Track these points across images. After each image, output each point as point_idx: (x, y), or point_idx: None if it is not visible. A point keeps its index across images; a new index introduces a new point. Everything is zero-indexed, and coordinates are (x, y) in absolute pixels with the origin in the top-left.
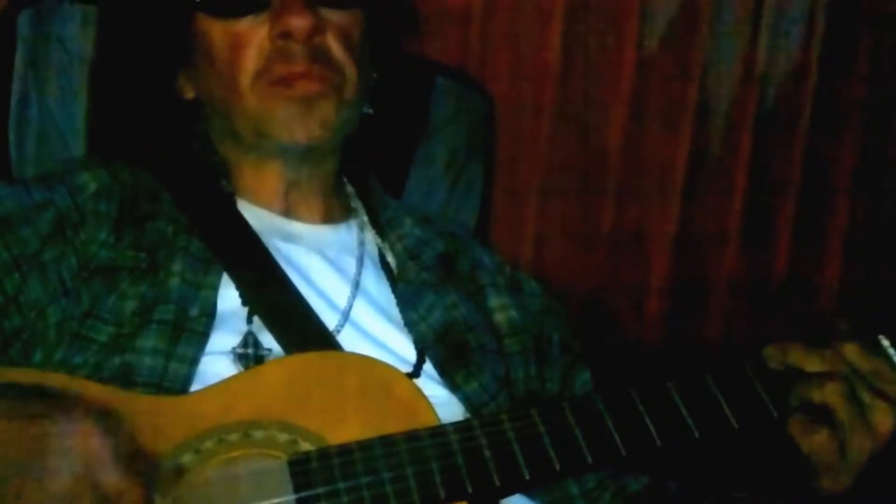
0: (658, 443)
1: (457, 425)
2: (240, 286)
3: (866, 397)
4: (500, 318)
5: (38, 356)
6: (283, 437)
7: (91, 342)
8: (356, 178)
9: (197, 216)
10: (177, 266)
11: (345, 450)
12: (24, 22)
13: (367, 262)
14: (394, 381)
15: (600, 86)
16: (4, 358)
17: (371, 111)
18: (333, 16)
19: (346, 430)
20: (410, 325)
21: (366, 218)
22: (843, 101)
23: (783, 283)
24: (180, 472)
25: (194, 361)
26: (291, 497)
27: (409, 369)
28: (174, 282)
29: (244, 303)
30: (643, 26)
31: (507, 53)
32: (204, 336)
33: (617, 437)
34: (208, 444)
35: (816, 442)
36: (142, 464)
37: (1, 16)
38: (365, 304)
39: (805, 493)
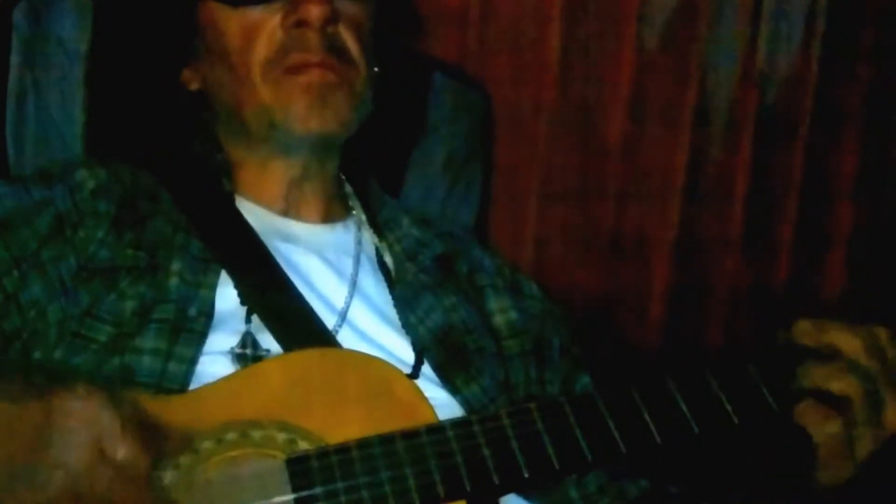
0: (658, 440)
1: (455, 422)
2: (238, 286)
3: (883, 392)
4: (499, 320)
5: (37, 356)
6: (282, 436)
7: (90, 342)
8: (354, 178)
9: (196, 215)
10: (176, 265)
11: (343, 449)
12: (19, 17)
13: (365, 263)
14: (394, 380)
15: (599, 88)
16: (4, 358)
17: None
18: (347, 7)
19: (346, 429)
20: (408, 328)
21: (364, 218)
22: (845, 103)
23: (785, 287)
24: (189, 440)
25: (193, 361)
26: (290, 497)
27: (408, 371)
28: (173, 281)
29: (243, 302)
30: (642, 28)
31: (506, 55)
32: (202, 336)
33: (617, 435)
34: (206, 444)
35: (829, 431)
36: (150, 432)
37: None
38: (362, 306)
39: (802, 489)
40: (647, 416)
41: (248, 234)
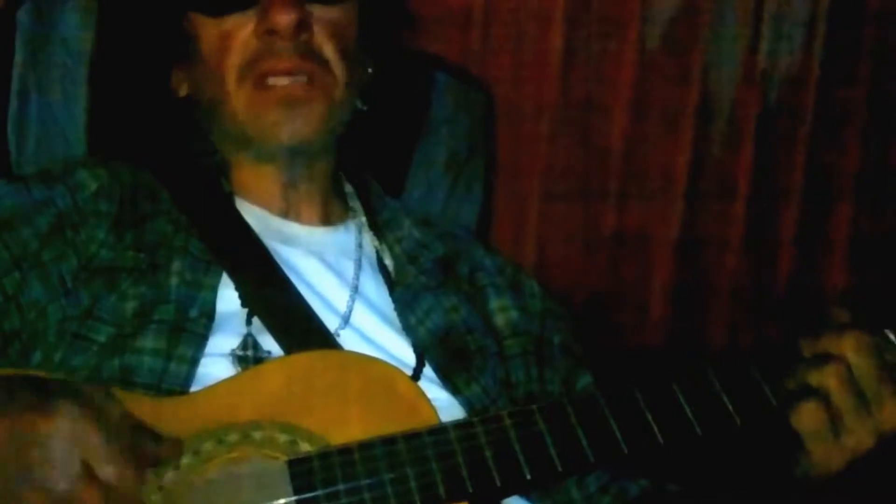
0: (660, 441)
1: (457, 424)
2: (239, 287)
3: (872, 386)
4: (500, 319)
5: (37, 356)
6: (283, 437)
7: (91, 342)
8: (355, 177)
9: (196, 216)
10: (176, 266)
11: (345, 450)
12: (23, 17)
13: (366, 266)
14: (395, 381)
15: (601, 88)
16: (3, 358)
17: (365, 107)
18: (323, 11)
19: (347, 430)
20: (409, 329)
21: (364, 219)
22: (846, 104)
23: (786, 287)
24: (180, 447)
25: (194, 362)
26: (292, 498)
27: (409, 373)
28: (174, 282)
29: (244, 304)
30: (644, 28)
31: (509, 56)
32: (203, 337)
33: (619, 435)
34: (208, 446)
35: (811, 421)
36: (141, 440)
37: (1, 11)
38: (364, 308)
39: (793, 482)
40: (649, 417)
41: (249, 236)
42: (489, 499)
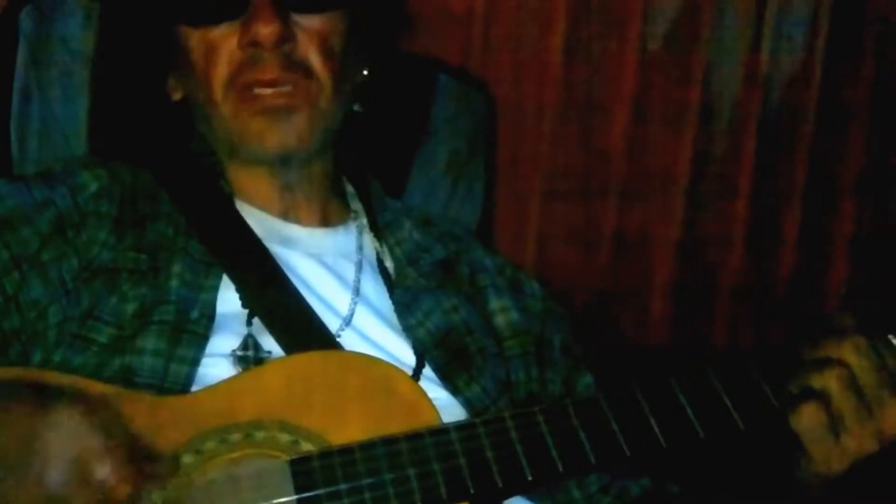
0: (662, 443)
1: (459, 425)
2: (239, 288)
3: (874, 390)
4: (500, 320)
5: (37, 357)
6: (285, 437)
7: (91, 343)
8: (356, 178)
9: (196, 217)
10: (176, 267)
11: (346, 450)
12: (26, 19)
13: (366, 268)
14: (396, 381)
15: (603, 88)
16: (3, 359)
17: (361, 109)
18: (308, 21)
19: (349, 430)
20: (408, 331)
21: (365, 221)
22: (848, 104)
23: (788, 287)
24: (177, 464)
25: (195, 363)
26: (293, 498)
27: (409, 374)
28: (174, 283)
29: (244, 305)
30: (646, 28)
31: (510, 55)
32: (204, 338)
33: (620, 438)
34: (210, 445)
35: (810, 423)
36: (138, 453)
37: (3, 13)
38: (366, 311)
39: (797, 481)
40: (651, 420)
41: (249, 237)
42: (490, 499)
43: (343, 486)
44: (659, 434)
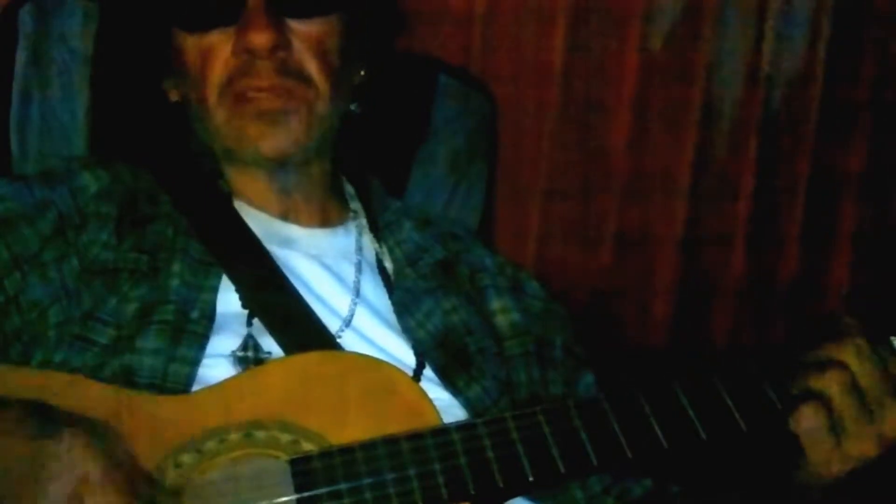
0: (664, 445)
1: (460, 425)
2: (239, 289)
3: (875, 393)
4: (500, 320)
5: (38, 357)
6: (285, 437)
7: (92, 344)
8: (357, 178)
9: (196, 218)
10: (176, 267)
11: (347, 450)
12: (25, 17)
13: (366, 269)
14: (397, 382)
15: (604, 88)
16: (4, 359)
17: (358, 110)
18: (303, 26)
19: (349, 430)
20: (408, 332)
21: (364, 221)
22: (850, 104)
23: (790, 286)
24: (178, 497)
25: (195, 363)
26: (293, 497)
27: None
28: (174, 283)
29: (244, 306)
30: (647, 28)
31: (510, 55)
32: (204, 338)
33: (622, 439)
34: (210, 444)
35: (810, 425)
36: (140, 485)
37: (3, 11)
38: (366, 312)
39: (796, 483)
40: (653, 422)
41: (248, 238)
42: (491, 499)
43: (343, 486)
44: (661, 435)
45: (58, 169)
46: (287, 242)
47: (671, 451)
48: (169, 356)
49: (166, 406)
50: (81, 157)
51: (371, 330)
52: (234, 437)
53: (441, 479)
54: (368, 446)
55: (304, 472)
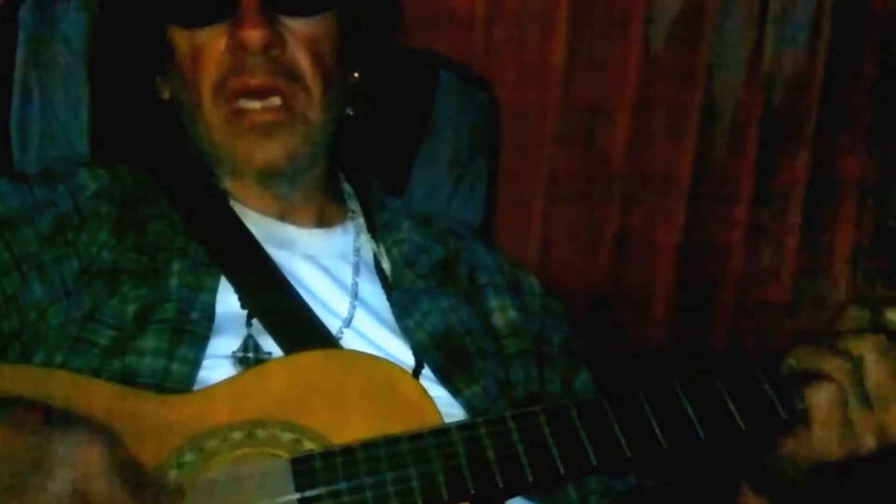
0: (664, 445)
1: (460, 425)
2: (238, 289)
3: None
4: (499, 319)
5: (38, 357)
6: (287, 436)
7: (92, 345)
8: (355, 177)
9: (194, 218)
10: (175, 268)
11: (348, 449)
12: (25, 15)
13: (363, 270)
14: (399, 381)
15: (605, 90)
16: (2, 359)
17: (353, 112)
18: (297, 25)
19: (351, 429)
20: (407, 333)
21: (362, 220)
22: (850, 106)
23: (789, 289)
24: (182, 494)
25: (196, 363)
26: (294, 496)
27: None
28: (173, 283)
29: (243, 306)
30: (648, 30)
31: (512, 57)
32: (205, 339)
33: (622, 440)
34: (211, 443)
35: (821, 396)
36: (142, 482)
37: (2, 10)
38: (365, 314)
39: (786, 454)
40: (653, 422)
41: (247, 238)
42: (491, 500)
43: (344, 486)
44: (660, 435)
45: (58, 168)
46: (284, 243)
47: (670, 450)
48: (169, 356)
49: (168, 405)
50: (81, 157)
51: (370, 331)
52: (235, 436)
53: (441, 479)
54: (369, 446)
55: (305, 471)
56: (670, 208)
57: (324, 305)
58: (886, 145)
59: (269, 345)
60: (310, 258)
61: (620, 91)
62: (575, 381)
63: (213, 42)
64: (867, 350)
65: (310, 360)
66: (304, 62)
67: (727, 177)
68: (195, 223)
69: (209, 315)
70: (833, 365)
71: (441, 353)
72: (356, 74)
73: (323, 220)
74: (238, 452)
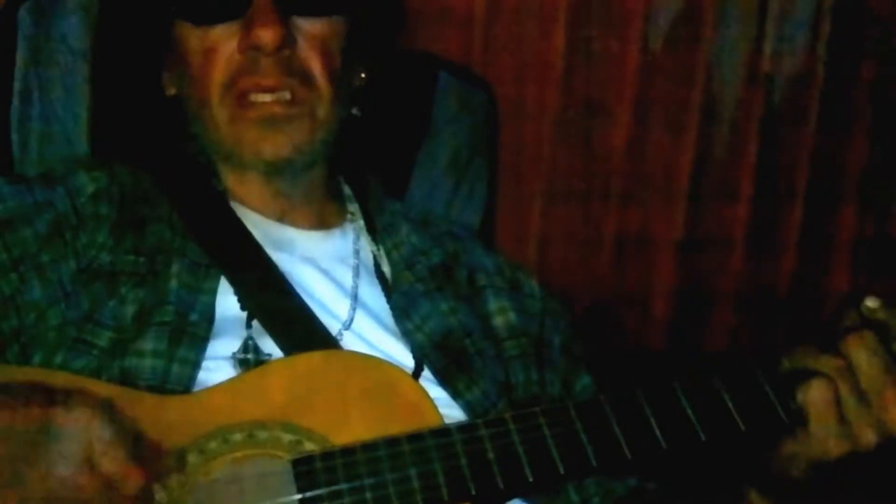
0: (664, 446)
1: (460, 426)
2: (238, 291)
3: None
4: (498, 321)
5: (37, 359)
6: (288, 437)
7: (91, 346)
8: (355, 179)
9: (194, 219)
10: (174, 270)
11: (348, 450)
12: (24, 17)
13: (363, 273)
14: (399, 382)
15: (604, 89)
16: (2, 360)
17: (359, 113)
18: (309, 25)
19: (351, 430)
20: (407, 335)
21: (362, 223)
22: (850, 105)
23: (789, 288)
24: (183, 461)
25: (196, 365)
26: (295, 497)
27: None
28: (173, 284)
29: (243, 307)
30: (647, 29)
31: (510, 56)
32: (204, 340)
33: (622, 440)
34: (212, 445)
35: (812, 391)
36: (144, 451)
37: (1, 10)
38: (365, 316)
39: (786, 454)
40: (653, 423)
41: (246, 239)
42: (492, 500)
43: (344, 486)
44: (660, 436)
45: (57, 170)
46: (283, 246)
47: (670, 451)
48: (169, 358)
49: (169, 406)
50: (80, 158)
51: (370, 333)
52: (236, 437)
53: (441, 480)
54: (370, 447)
55: (306, 472)
56: (670, 208)
57: (323, 307)
58: (887, 143)
59: (269, 346)
60: (309, 260)
61: (619, 90)
62: (576, 384)
63: (224, 41)
64: (859, 347)
65: (310, 361)
66: (314, 63)
67: (727, 176)
68: (195, 224)
69: (209, 316)
70: (825, 363)
71: (441, 355)
72: (362, 76)
73: (322, 223)
74: (239, 453)
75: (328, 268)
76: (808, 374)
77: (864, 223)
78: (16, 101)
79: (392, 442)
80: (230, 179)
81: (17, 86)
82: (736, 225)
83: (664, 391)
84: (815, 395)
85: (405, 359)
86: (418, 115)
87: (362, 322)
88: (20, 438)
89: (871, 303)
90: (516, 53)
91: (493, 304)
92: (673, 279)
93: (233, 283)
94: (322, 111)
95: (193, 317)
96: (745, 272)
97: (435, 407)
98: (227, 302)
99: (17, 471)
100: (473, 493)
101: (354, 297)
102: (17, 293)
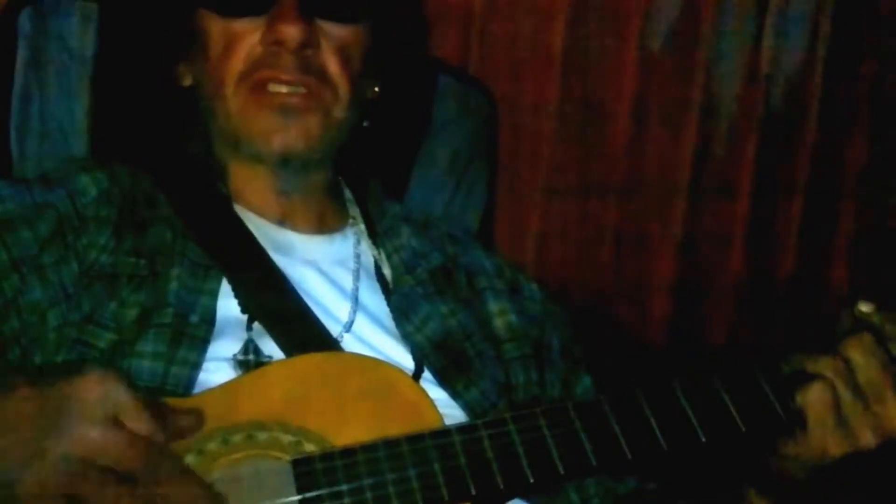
0: (664, 446)
1: (460, 426)
2: (238, 293)
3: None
4: (498, 323)
5: (37, 360)
6: (287, 438)
7: (91, 348)
8: (356, 183)
9: (194, 220)
10: (175, 272)
11: (348, 451)
12: (25, 20)
13: (364, 276)
14: (398, 382)
15: (603, 86)
16: (3, 361)
17: (368, 125)
18: (333, 29)
19: (351, 431)
20: (406, 337)
21: (363, 226)
22: (849, 103)
23: (789, 285)
24: (202, 418)
25: (196, 366)
26: (295, 498)
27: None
28: (173, 286)
29: (243, 310)
30: (646, 26)
31: (509, 53)
32: (205, 342)
33: (622, 441)
34: (212, 446)
35: (811, 393)
36: (164, 409)
37: (2, 14)
38: (365, 319)
39: (784, 456)
40: (653, 423)
41: (247, 240)
42: (492, 500)
43: (344, 487)
44: (660, 437)
45: (58, 172)
46: (284, 248)
47: (670, 452)
48: (169, 359)
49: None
50: (79, 159)
51: (370, 335)
52: (236, 438)
53: (441, 480)
54: (369, 448)
55: (306, 472)
56: (669, 205)
57: (324, 310)
58: (886, 142)
59: (270, 348)
60: (310, 263)
61: (618, 88)
62: (576, 385)
63: (247, 33)
64: (857, 349)
65: (310, 362)
66: (334, 66)
67: (726, 173)
68: (195, 225)
69: (209, 318)
70: (824, 365)
71: (440, 356)
72: (376, 89)
73: (323, 226)
74: (238, 454)
75: (329, 271)
76: (808, 376)
77: (862, 220)
78: (15, 103)
79: (392, 442)
80: (234, 177)
81: (17, 88)
82: (735, 222)
83: (664, 391)
84: (814, 397)
85: (405, 360)
86: (418, 118)
87: (363, 324)
88: (35, 413)
89: (864, 307)
90: (515, 51)
91: (493, 306)
92: (672, 276)
93: (234, 284)
94: (337, 112)
95: (193, 318)
96: (744, 269)
97: (434, 407)
98: (228, 304)
99: (42, 433)
100: (473, 493)
101: (355, 300)
102: (18, 295)
